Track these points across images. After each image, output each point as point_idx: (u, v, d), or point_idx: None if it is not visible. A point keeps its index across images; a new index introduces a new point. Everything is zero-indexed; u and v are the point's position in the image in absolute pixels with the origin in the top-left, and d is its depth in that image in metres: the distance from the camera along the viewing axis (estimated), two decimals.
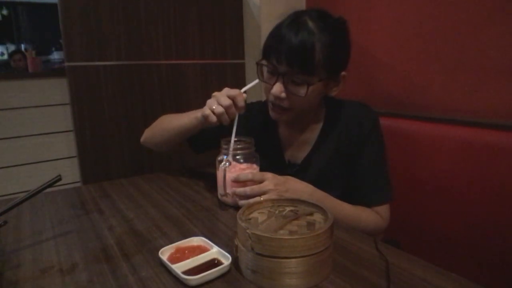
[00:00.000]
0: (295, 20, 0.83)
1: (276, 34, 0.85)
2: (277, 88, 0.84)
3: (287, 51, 0.81)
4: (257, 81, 0.89)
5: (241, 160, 0.85)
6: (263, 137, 0.87)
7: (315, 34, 0.80)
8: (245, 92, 0.86)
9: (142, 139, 1.10)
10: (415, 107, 1.32)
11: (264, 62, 0.88)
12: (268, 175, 0.81)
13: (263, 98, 1.00)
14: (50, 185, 0.72)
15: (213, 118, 0.83)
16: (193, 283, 0.54)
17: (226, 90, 0.84)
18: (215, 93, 0.85)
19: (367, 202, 0.90)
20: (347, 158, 0.93)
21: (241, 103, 0.83)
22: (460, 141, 1.00)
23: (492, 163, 0.94)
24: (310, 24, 0.81)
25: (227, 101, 0.82)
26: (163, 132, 1.04)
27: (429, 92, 1.27)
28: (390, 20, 1.38)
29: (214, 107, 0.83)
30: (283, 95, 0.85)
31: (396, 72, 1.38)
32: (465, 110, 1.17)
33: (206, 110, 0.84)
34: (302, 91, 0.83)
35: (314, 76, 0.83)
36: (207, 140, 1.00)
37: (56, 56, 4.34)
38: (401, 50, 1.35)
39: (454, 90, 1.20)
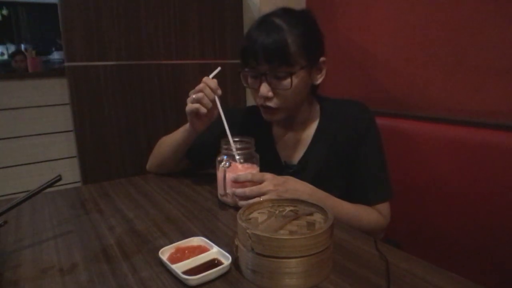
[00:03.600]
0: (262, 21, 0.88)
1: (248, 39, 0.88)
2: (264, 88, 0.87)
3: (262, 49, 0.84)
4: (219, 68, 0.93)
5: (241, 160, 0.85)
6: (258, 139, 0.88)
7: (284, 29, 0.84)
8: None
9: (147, 166, 1.15)
10: (415, 107, 1.32)
11: (245, 69, 0.90)
12: (268, 175, 0.81)
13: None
14: (50, 185, 0.72)
15: (195, 105, 0.87)
16: (193, 283, 0.54)
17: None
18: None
19: (367, 200, 0.90)
20: (345, 157, 0.93)
21: (213, 84, 0.87)
22: (460, 141, 1.00)
23: (492, 163, 0.94)
24: (277, 21, 0.86)
25: (200, 86, 0.87)
26: (162, 153, 1.07)
27: (429, 92, 1.27)
28: (390, 20, 1.38)
29: (193, 97, 0.87)
30: (271, 94, 0.87)
31: (396, 72, 1.38)
32: (465, 110, 1.17)
33: (188, 107, 0.89)
34: (287, 83, 0.86)
35: (294, 66, 0.85)
36: (204, 151, 1.02)
37: (56, 56, 4.33)
38: (401, 50, 1.35)
39: (454, 90, 1.20)
